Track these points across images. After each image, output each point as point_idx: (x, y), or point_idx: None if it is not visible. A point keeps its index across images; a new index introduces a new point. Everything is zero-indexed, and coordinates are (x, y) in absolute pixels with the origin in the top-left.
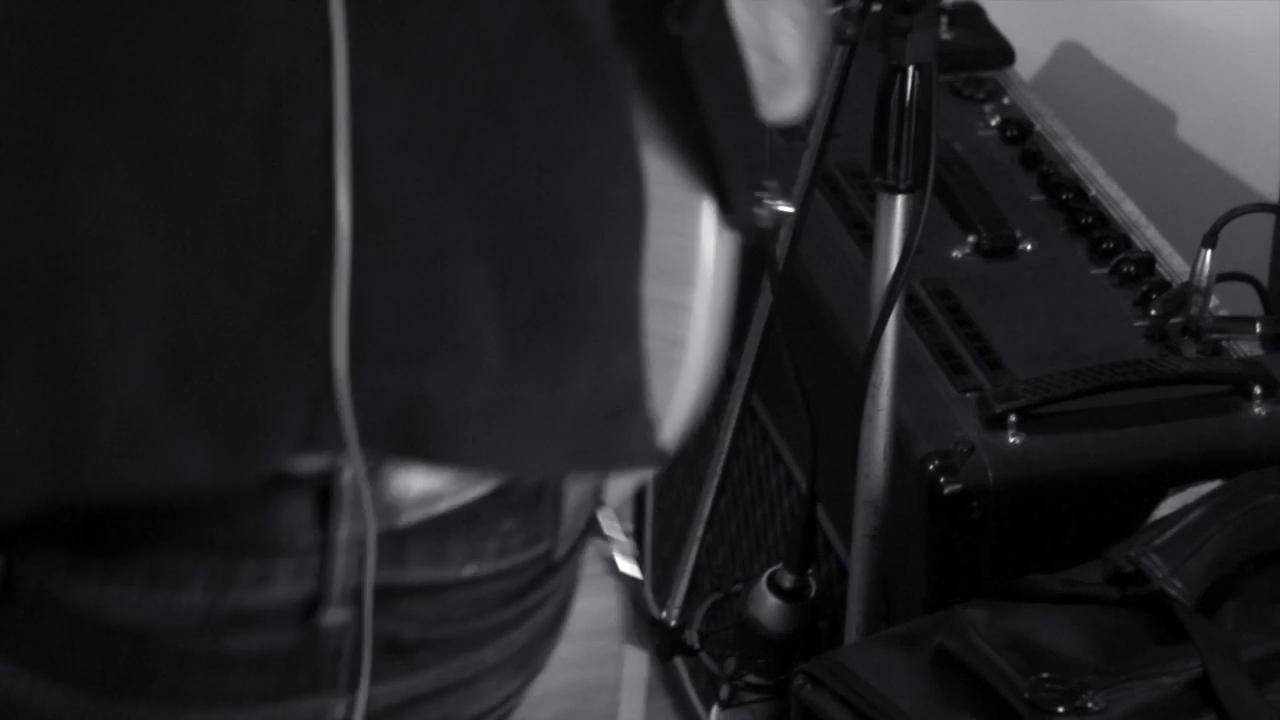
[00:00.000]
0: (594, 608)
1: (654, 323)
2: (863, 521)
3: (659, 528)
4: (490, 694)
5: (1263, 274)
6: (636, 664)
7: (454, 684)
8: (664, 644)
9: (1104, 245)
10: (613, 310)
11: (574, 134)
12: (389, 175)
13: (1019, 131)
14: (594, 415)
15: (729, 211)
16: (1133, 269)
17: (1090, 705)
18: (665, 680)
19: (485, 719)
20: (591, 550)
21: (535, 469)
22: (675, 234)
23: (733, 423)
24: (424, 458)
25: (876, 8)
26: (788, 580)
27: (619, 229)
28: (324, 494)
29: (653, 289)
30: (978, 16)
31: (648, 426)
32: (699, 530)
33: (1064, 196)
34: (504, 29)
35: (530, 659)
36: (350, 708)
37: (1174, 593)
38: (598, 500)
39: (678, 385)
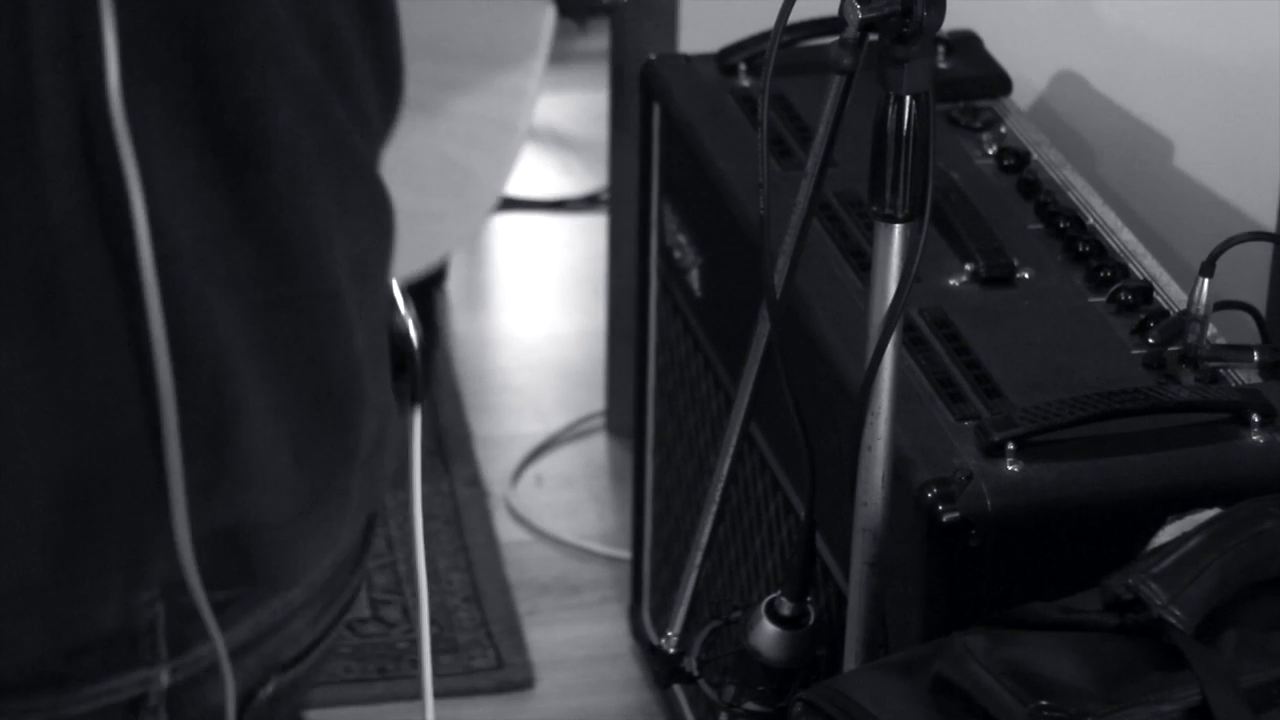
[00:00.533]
0: (593, 635)
1: (493, 109)
2: (861, 549)
3: (657, 556)
4: (305, 634)
5: (1260, 302)
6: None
7: (268, 629)
8: (663, 671)
9: (1102, 274)
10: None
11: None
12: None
13: (1016, 160)
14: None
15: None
16: (1130, 297)
17: None
18: (664, 707)
19: (304, 660)
20: (590, 577)
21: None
22: (519, 23)
23: (731, 450)
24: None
25: (873, 37)
26: (786, 608)
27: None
28: None
29: (495, 77)
30: (975, 46)
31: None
32: (697, 558)
33: (1061, 225)
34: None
35: (338, 593)
36: (174, 673)
37: (1172, 620)
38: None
39: (504, 166)
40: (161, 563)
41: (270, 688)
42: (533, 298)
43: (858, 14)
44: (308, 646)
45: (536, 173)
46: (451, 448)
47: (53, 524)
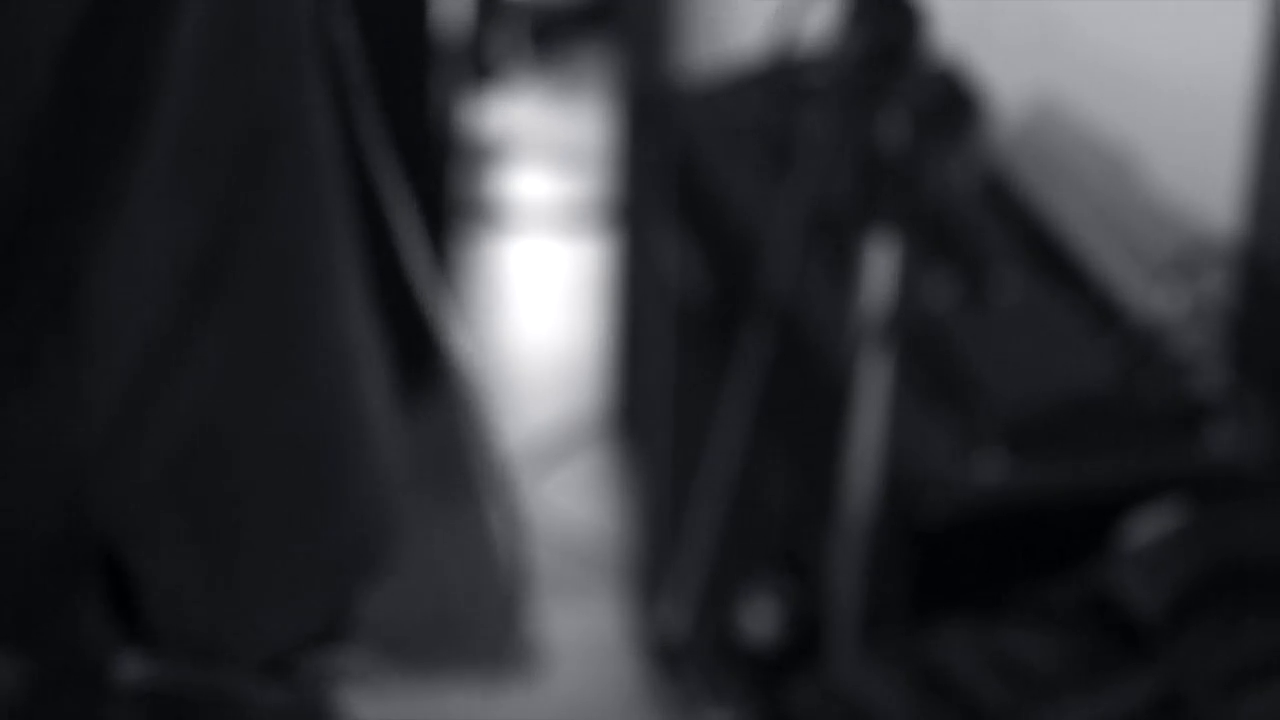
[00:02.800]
0: (597, 626)
1: None
2: (846, 547)
3: (650, 544)
4: None
5: (1226, 310)
6: None
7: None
8: (664, 662)
9: (1074, 284)
10: None
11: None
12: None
13: (993, 176)
14: None
15: None
16: (1102, 306)
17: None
18: (654, 695)
19: None
20: (594, 569)
21: None
22: None
23: (725, 445)
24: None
25: (865, 62)
26: (774, 600)
27: None
28: None
29: None
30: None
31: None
32: (689, 548)
33: (1036, 238)
34: None
35: None
36: None
37: (1145, 611)
38: None
39: None
40: None
41: None
42: (538, 299)
43: (852, 43)
44: None
45: (540, 178)
46: (458, 443)
47: None
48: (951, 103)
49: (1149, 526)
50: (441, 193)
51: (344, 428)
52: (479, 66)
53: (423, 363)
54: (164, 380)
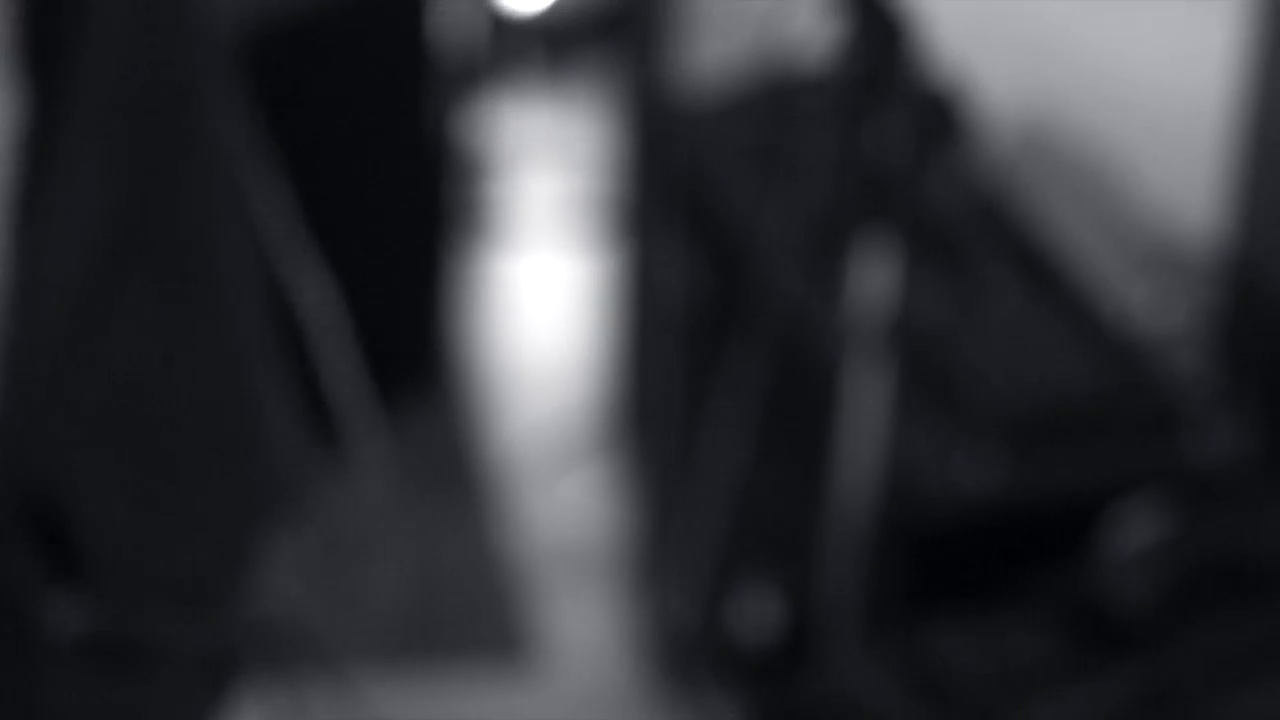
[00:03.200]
0: (606, 621)
1: None
2: (844, 548)
3: (653, 546)
4: None
5: (1214, 315)
6: None
7: None
8: (656, 659)
9: (1067, 290)
10: None
11: None
12: None
13: (987, 184)
14: None
15: None
16: (1094, 312)
17: (1056, 716)
18: (657, 694)
19: None
20: (587, 571)
21: None
22: None
23: (726, 448)
24: None
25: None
26: (774, 600)
27: None
28: None
29: None
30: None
31: None
32: (692, 550)
33: (1029, 245)
34: None
35: None
36: None
37: (1136, 609)
38: None
39: None
40: None
41: None
42: (544, 305)
43: (845, 59)
44: None
45: (546, 187)
46: (468, 441)
47: None
48: (941, 116)
49: (1140, 526)
50: (442, 202)
51: (248, 381)
52: (489, 79)
53: (423, 366)
54: (94, 334)
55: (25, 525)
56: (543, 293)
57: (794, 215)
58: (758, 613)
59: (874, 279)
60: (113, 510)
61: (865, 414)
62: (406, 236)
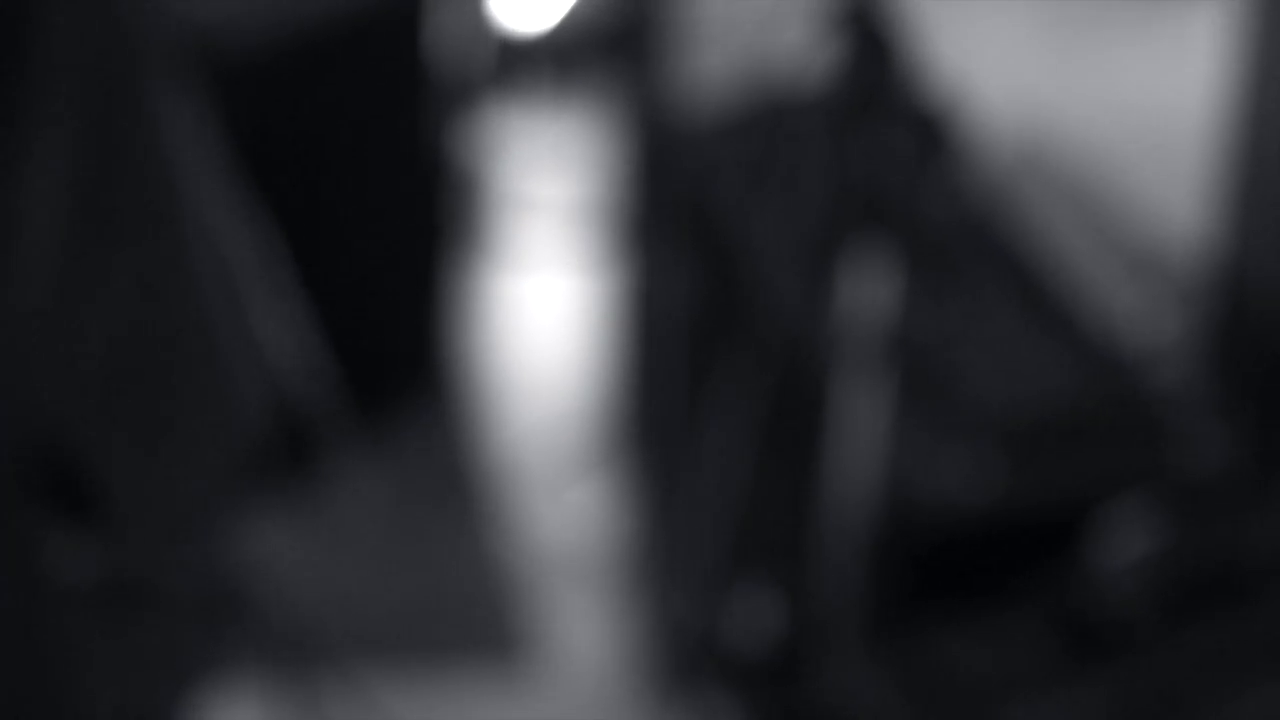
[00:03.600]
0: (609, 627)
1: None
2: (840, 550)
3: (657, 551)
4: None
5: (1205, 324)
6: None
7: None
8: (660, 663)
9: (1056, 298)
10: None
11: None
12: None
13: (982, 196)
14: None
15: None
16: (1081, 320)
17: None
18: (660, 698)
19: None
20: (591, 576)
21: None
22: None
23: (728, 456)
24: None
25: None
26: (776, 603)
27: None
28: None
29: None
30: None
31: None
32: (695, 554)
33: (1022, 256)
34: None
35: None
36: None
37: (1129, 615)
38: None
39: None
40: None
41: None
42: (550, 317)
43: (837, 78)
44: None
45: (550, 194)
46: (470, 448)
47: None
48: (935, 133)
49: (1132, 533)
50: (441, 216)
51: (228, 325)
52: (494, 95)
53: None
54: (90, 285)
55: (32, 474)
56: (544, 304)
57: (792, 230)
58: (757, 617)
59: (870, 292)
60: (117, 456)
61: (862, 424)
62: (405, 250)
